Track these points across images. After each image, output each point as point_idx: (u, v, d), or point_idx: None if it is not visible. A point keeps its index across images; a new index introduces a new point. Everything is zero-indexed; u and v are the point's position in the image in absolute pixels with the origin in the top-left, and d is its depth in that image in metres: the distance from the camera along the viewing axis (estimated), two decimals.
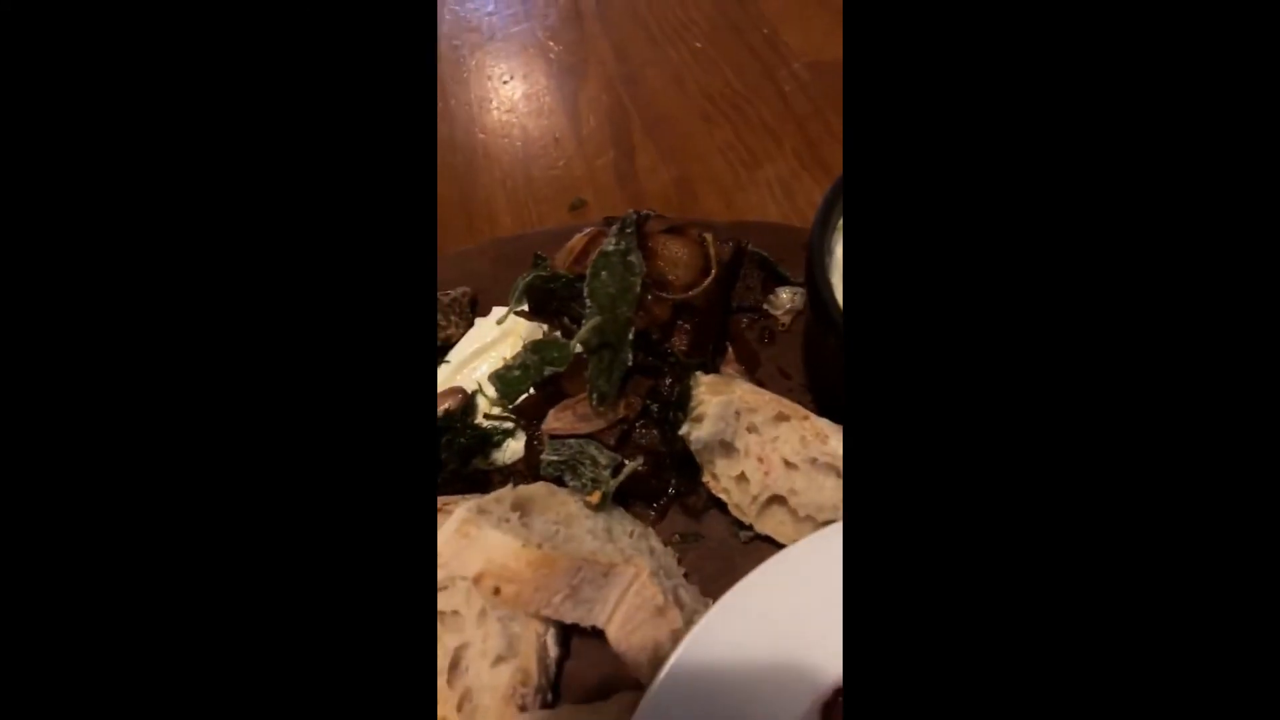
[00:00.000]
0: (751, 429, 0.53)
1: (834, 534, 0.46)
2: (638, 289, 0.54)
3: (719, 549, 0.55)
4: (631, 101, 1.03)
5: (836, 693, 0.42)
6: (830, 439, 0.51)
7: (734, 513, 0.55)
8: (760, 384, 0.60)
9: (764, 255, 0.65)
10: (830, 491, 0.51)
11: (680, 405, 0.52)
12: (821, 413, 0.54)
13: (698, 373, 0.54)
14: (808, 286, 0.55)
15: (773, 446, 0.52)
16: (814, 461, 0.51)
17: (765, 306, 0.65)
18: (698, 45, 1.10)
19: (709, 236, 0.57)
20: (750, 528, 0.54)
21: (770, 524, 0.53)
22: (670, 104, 1.02)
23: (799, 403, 0.55)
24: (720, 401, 0.51)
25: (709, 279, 0.56)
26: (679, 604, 0.48)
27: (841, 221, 0.55)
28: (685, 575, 0.52)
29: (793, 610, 0.44)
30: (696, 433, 0.51)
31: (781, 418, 0.53)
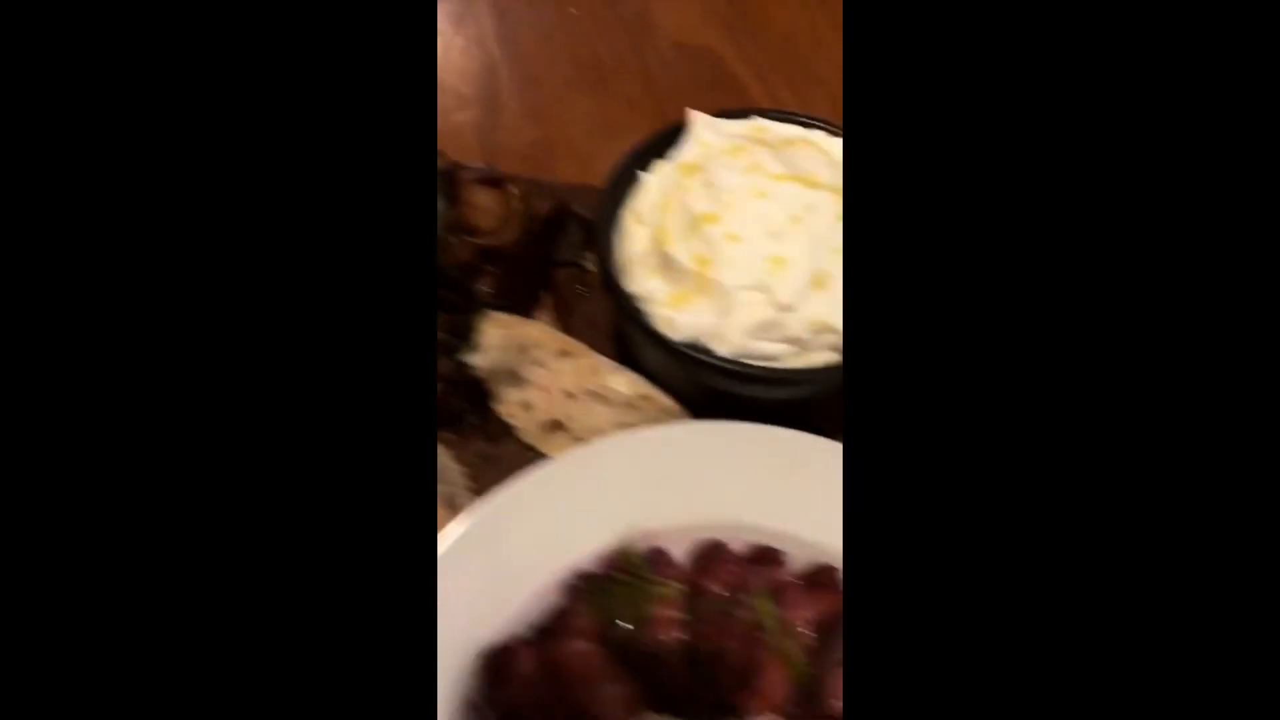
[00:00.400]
0: (537, 362, 0.60)
1: (590, 449, 0.54)
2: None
3: (511, 469, 0.62)
4: (503, 60, 1.06)
5: (576, 575, 0.51)
6: (606, 375, 0.60)
7: (522, 437, 0.62)
8: (572, 331, 0.67)
9: (586, 216, 0.72)
10: (600, 417, 0.59)
11: (466, 337, 0.60)
12: (616, 356, 0.62)
13: (487, 310, 0.61)
14: (596, 245, 0.62)
15: (555, 378, 0.60)
16: (590, 393, 0.60)
17: (582, 262, 0.73)
18: (572, 11, 1.14)
19: (517, 191, 0.63)
20: (536, 450, 0.62)
21: (553, 446, 0.62)
22: (539, 67, 1.06)
23: (602, 348, 0.63)
24: (505, 334, 0.58)
25: (515, 229, 0.63)
26: (456, 508, 0.55)
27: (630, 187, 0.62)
28: (471, 490, 0.60)
29: (549, 506, 0.52)
30: (481, 361, 0.58)
31: (565, 354, 0.60)
